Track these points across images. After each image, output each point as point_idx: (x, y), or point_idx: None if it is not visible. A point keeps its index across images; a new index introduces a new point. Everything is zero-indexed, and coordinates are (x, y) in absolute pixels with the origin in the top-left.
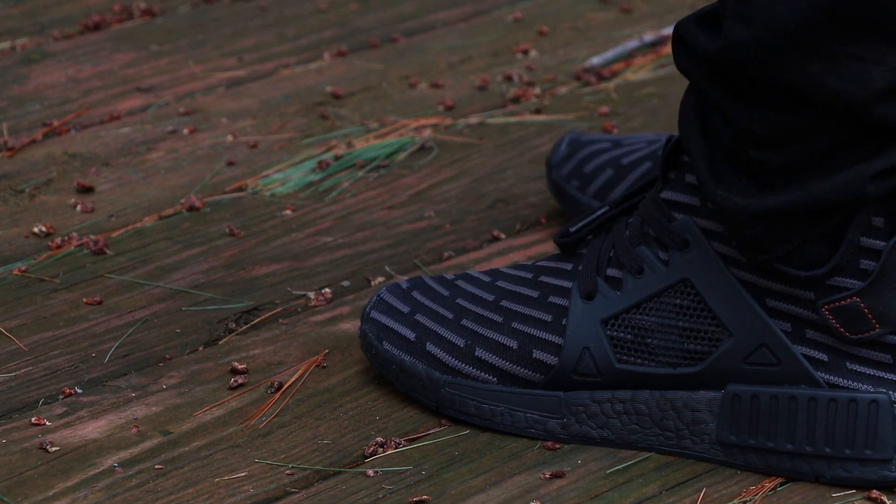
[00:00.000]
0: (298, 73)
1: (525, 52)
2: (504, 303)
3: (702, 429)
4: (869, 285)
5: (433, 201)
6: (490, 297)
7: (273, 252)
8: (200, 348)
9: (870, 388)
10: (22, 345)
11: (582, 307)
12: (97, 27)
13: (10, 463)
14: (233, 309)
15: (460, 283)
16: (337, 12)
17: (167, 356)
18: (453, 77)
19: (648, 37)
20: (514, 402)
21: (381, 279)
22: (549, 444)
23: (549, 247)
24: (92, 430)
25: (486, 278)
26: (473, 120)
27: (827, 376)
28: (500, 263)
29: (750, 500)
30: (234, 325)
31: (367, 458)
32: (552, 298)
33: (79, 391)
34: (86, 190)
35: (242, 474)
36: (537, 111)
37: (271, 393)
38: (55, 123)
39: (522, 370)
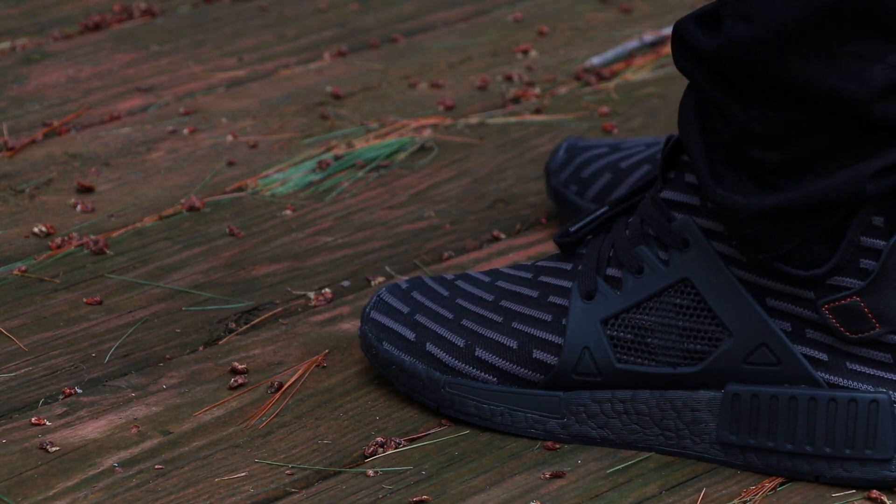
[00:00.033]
0: (298, 73)
1: (525, 52)
2: (504, 303)
3: (702, 428)
4: (869, 285)
5: (433, 201)
6: (490, 297)
7: (273, 252)
8: (200, 348)
9: (870, 387)
10: (22, 345)
11: (582, 307)
12: (97, 27)
13: (10, 463)
14: (233, 309)
15: (460, 283)
16: (337, 12)
17: (167, 356)
18: (453, 77)
19: (648, 37)
20: (514, 402)
21: (381, 279)
22: (549, 444)
23: (549, 247)
24: (92, 430)
25: (486, 278)
26: (473, 120)
27: (827, 376)
28: (500, 263)
29: (750, 500)
30: (234, 325)
31: (367, 458)
32: (552, 298)
33: (79, 391)
34: (86, 190)
35: (242, 474)
36: (537, 111)
37: (271, 393)
38: (55, 123)
39: (522, 370)
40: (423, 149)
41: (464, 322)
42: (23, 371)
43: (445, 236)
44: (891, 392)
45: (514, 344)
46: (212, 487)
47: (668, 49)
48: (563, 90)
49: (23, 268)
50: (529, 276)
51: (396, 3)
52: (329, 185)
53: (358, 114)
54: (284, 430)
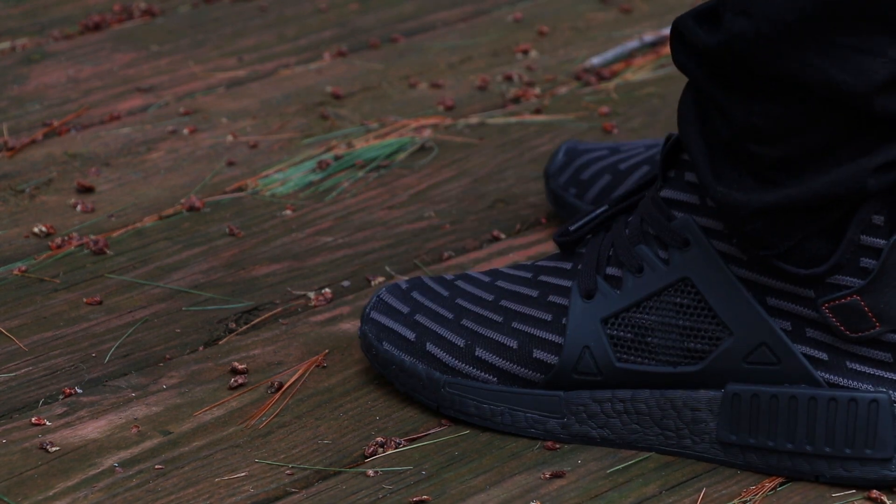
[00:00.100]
0: (298, 73)
1: (525, 52)
2: (504, 302)
3: (702, 428)
4: (869, 283)
5: (433, 201)
6: (490, 297)
7: (273, 252)
8: (200, 348)
9: (870, 387)
10: (22, 345)
11: (582, 306)
12: (97, 27)
13: (10, 463)
14: (233, 309)
15: (460, 283)
16: (337, 12)
17: (167, 356)
18: (453, 77)
19: (648, 37)
20: (515, 402)
21: (381, 279)
22: (549, 443)
23: (549, 247)
24: (92, 430)
25: (486, 278)
26: (473, 120)
27: (827, 375)
28: (500, 263)
29: (750, 499)
30: (234, 325)
31: (367, 458)
32: (552, 298)
33: (79, 391)
34: (86, 190)
35: (242, 474)
36: (537, 111)
37: (271, 393)
38: (55, 123)
39: (522, 370)
40: (423, 149)
41: (464, 322)
42: (23, 371)
43: (445, 236)
44: (891, 391)
45: (514, 344)
46: (212, 487)
47: (667, 49)
48: (563, 90)
49: (23, 268)
50: (529, 275)
51: (396, 3)
52: (329, 185)
53: (358, 114)
54: (284, 430)
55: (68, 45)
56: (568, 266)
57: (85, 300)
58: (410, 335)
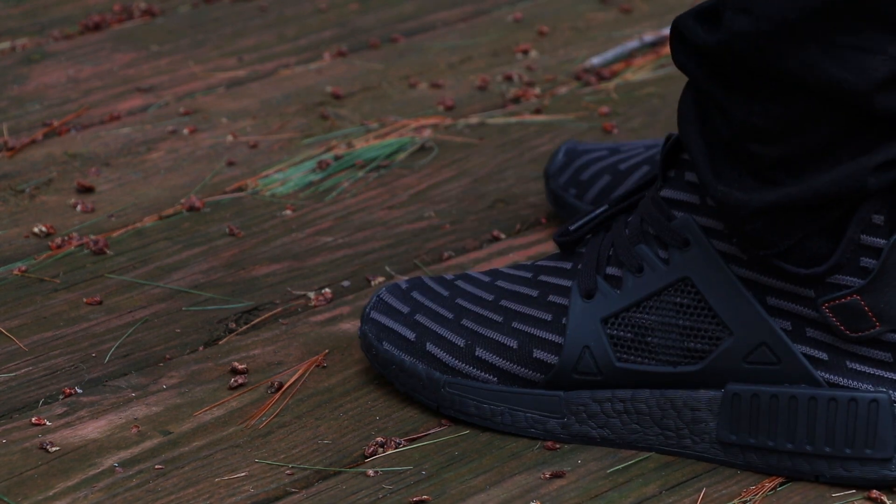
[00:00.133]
0: (298, 73)
1: (525, 52)
2: (504, 302)
3: (702, 428)
4: (869, 283)
5: (433, 201)
6: (490, 297)
7: (273, 252)
8: (200, 348)
9: (870, 387)
10: (22, 345)
11: (582, 306)
12: (97, 27)
13: (11, 463)
14: (233, 309)
15: (460, 283)
16: (337, 12)
17: (167, 356)
18: (453, 77)
19: (648, 37)
20: (515, 402)
21: (381, 279)
22: (549, 443)
23: (549, 247)
24: (92, 430)
25: (486, 278)
26: (473, 120)
27: (827, 375)
28: (500, 263)
29: (750, 499)
30: (234, 325)
31: (367, 458)
32: (552, 297)
33: (79, 391)
34: (86, 190)
35: (242, 474)
36: (537, 111)
37: (271, 393)
38: (55, 123)
39: (523, 370)
40: (423, 149)
41: (464, 322)
42: (23, 371)
43: (445, 236)
44: (891, 391)
45: (514, 343)
46: (212, 487)
47: (667, 49)
48: (563, 90)
49: (23, 268)
50: (529, 275)
51: (396, 3)
52: (329, 185)
53: (358, 114)
54: (284, 430)
55: (68, 45)
56: (568, 266)
57: (85, 300)
58: (410, 335)
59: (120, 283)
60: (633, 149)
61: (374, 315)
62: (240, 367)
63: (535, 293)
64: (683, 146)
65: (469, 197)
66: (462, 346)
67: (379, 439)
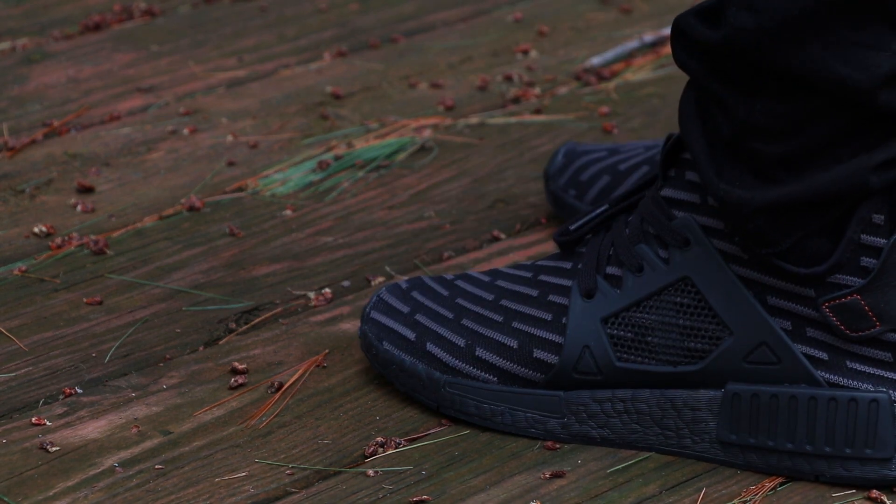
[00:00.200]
0: (298, 73)
1: (525, 52)
2: (504, 302)
3: (702, 427)
4: (869, 283)
5: (433, 201)
6: (490, 297)
7: (273, 252)
8: (200, 348)
9: (870, 387)
10: (22, 345)
11: (582, 305)
12: (97, 27)
13: (11, 463)
14: (233, 309)
15: (460, 282)
16: (337, 12)
17: (167, 356)
18: (453, 77)
19: (648, 37)
20: (515, 402)
21: (381, 279)
22: (549, 443)
23: (549, 247)
24: (92, 430)
25: (486, 278)
26: (473, 120)
27: (827, 375)
28: (500, 263)
29: (750, 499)
30: (234, 325)
31: (367, 458)
32: (552, 297)
33: (79, 391)
34: (86, 190)
35: (242, 474)
36: (537, 111)
37: (271, 393)
38: (55, 123)
39: (523, 369)
40: (423, 149)
41: (464, 322)
42: (23, 371)
43: (445, 236)
44: (891, 391)
45: (514, 343)
46: (212, 487)
47: (668, 49)
48: (563, 90)
49: (23, 268)
50: (529, 275)
51: (396, 3)
52: (329, 185)
53: (358, 114)
54: (284, 430)
55: (68, 45)
56: (568, 265)
57: (85, 300)
58: (410, 335)
59: (120, 283)
60: (632, 149)
61: (375, 315)
62: (240, 367)
63: (535, 293)
64: (684, 145)
65: (469, 197)
66: (462, 345)
67: (379, 439)
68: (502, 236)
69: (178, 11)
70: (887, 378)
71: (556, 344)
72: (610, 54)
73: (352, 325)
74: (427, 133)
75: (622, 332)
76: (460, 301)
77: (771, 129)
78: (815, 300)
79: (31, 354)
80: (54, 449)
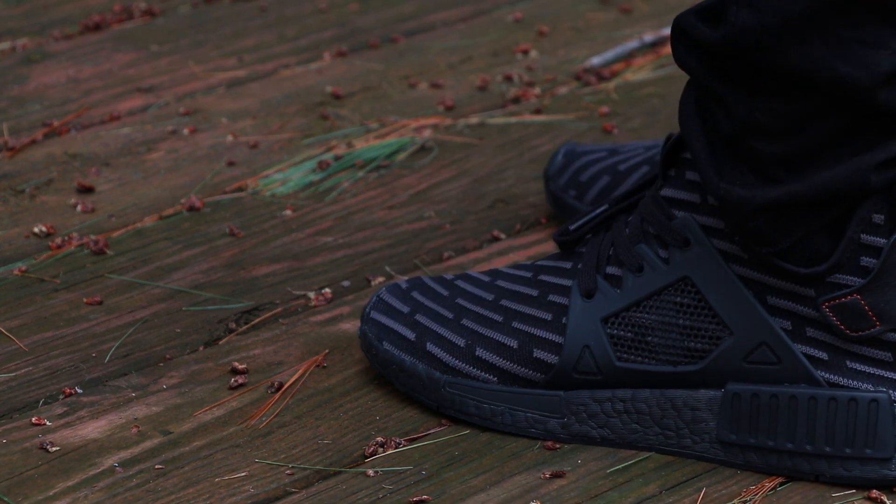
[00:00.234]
0: (298, 73)
1: (525, 52)
2: (504, 302)
3: (702, 427)
4: (869, 282)
5: (433, 201)
6: (490, 297)
7: (273, 252)
8: (200, 348)
9: (870, 386)
10: (22, 345)
11: (582, 305)
12: (97, 27)
13: (11, 463)
14: (233, 309)
15: (460, 282)
16: (337, 12)
17: (167, 356)
18: (453, 77)
19: (648, 37)
20: (515, 402)
21: (381, 279)
22: (549, 443)
23: (549, 247)
24: (92, 430)
25: (486, 278)
26: (473, 120)
27: (827, 375)
28: (500, 263)
29: (750, 499)
30: (234, 325)
31: (367, 458)
32: (552, 297)
33: (79, 391)
34: (86, 190)
35: (242, 474)
36: (537, 111)
37: (271, 393)
38: (55, 123)
39: (523, 369)
40: (423, 149)
41: (464, 322)
42: (23, 371)
43: (445, 236)
44: (891, 391)
45: (514, 343)
46: (212, 487)
47: (668, 49)
48: (563, 90)
49: (23, 268)
50: (529, 275)
51: (396, 3)
52: (329, 185)
53: (358, 114)
54: (284, 430)
55: (68, 45)
56: (568, 265)
57: (85, 300)
58: (410, 335)
59: (120, 283)
60: (632, 150)
61: (375, 315)
62: (240, 367)
63: (535, 293)
64: (685, 144)
65: (469, 197)
66: (462, 345)
67: (379, 439)
68: (502, 236)
69: (178, 11)
70: (887, 378)
71: (556, 344)
72: (610, 54)
73: (352, 325)
74: (427, 133)
75: (622, 332)
76: (460, 301)
77: (771, 128)
78: (815, 300)
79: (31, 354)
80: (54, 449)
